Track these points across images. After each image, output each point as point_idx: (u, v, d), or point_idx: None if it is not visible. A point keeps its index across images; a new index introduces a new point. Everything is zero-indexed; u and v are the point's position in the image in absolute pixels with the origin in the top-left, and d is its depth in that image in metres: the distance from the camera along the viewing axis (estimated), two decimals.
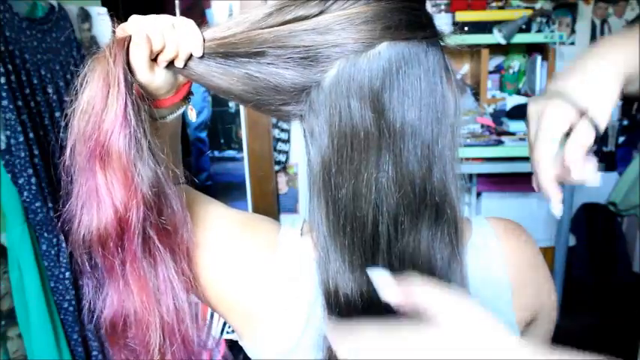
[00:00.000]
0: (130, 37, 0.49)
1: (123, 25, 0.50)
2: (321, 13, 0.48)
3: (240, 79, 0.50)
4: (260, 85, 0.50)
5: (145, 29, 0.49)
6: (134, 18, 0.50)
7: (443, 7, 2.27)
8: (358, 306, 0.50)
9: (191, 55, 0.50)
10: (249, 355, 0.58)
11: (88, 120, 0.48)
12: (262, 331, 0.54)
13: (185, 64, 0.51)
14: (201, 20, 0.52)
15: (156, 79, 0.51)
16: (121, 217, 0.49)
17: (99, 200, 0.49)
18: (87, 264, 0.53)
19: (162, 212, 0.51)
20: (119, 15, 0.52)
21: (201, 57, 0.50)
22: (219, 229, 0.57)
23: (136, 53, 0.49)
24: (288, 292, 0.54)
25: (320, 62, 0.48)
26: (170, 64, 0.51)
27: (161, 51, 0.50)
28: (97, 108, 0.47)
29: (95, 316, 0.54)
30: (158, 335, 0.52)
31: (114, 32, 0.51)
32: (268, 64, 0.49)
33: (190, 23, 0.51)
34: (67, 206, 0.51)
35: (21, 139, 1.32)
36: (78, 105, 0.49)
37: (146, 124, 0.49)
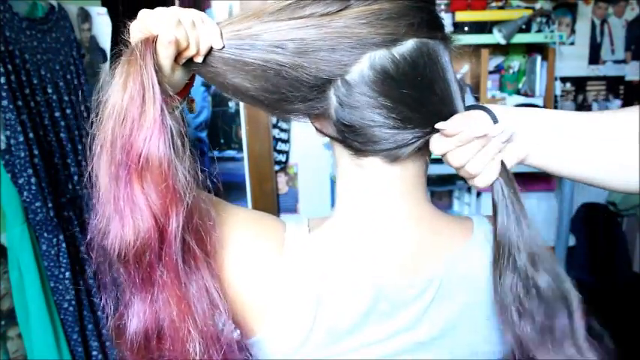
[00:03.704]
0: (156, 37, 0.47)
1: (145, 24, 0.48)
2: (343, 9, 0.48)
3: (259, 73, 0.49)
4: (280, 80, 0.49)
5: (170, 28, 0.47)
6: (147, 14, 0.49)
7: (443, 7, 2.27)
8: None
9: (209, 51, 0.50)
10: (258, 354, 0.57)
11: (124, 126, 0.46)
12: (271, 328, 0.54)
13: (204, 60, 0.50)
14: None
15: (175, 77, 0.51)
16: (162, 226, 0.47)
17: (136, 211, 0.46)
18: (111, 279, 0.51)
19: (198, 216, 0.50)
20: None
21: (220, 49, 0.49)
22: (231, 229, 0.56)
23: (164, 53, 0.47)
24: (296, 289, 0.54)
25: (344, 56, 0.48)
26: (188, 61, 0.51)
27: (185, 49, 0.49)
28: (134, 113, 0.45)
29: (127, 333, 0.51)
30: (198, 343, 0.50)
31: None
32: (290, 56, 0.48)
33: (204, 16, 0.50)
34: (94, 221, 0.49)
35: (21, 139, 1.32)
36: (111, 111, 0.46)
37: (181, 125, 0.48)
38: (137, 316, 0.51)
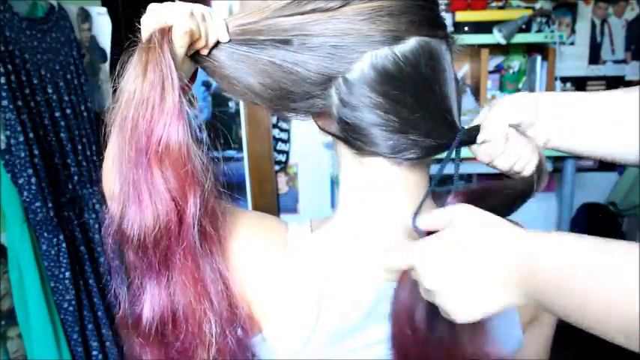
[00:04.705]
0: (171, 27, 0.48)
1: (160, 15, 0.49)
2: (343, 5, 0.48)
3: (263, 68, 0.49)
4: (283, 76, 0.49)
5: (185, 19, 0.48)
6: (160, 6, 0.50)
7: (443, 7, 2.27)
8: None
9: (216, 44, 0.50)
10: (261, 353, 0.58)
11: (145, 112, 0.47)
12: (275, 328, 0.54)
13: (208, 53, 0.51)
14: None
15: (183, 68, 0.51)
16: (181, 209, 0.48)
17: (155, 195, 0.47)
18: (121, 266, 0.52)
19: (213, 200, 0.51)
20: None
21: (226, 43, 0.50)
22: (233, 229, 0.56)
23: (179, 43, 0.48)
24: (299, 290, 0.54)
25: (347, 52, 0.48)
26: (193, 54, 0.52)
27: (197, 40, 0.50)
28: (155, 99, 0.47)
29: (141, 320, 0.52)
30: (214, 324, 0.51)
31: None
32: (294, 52, 0.48)
33: (211, 10, 0.51)
34: (110, 208, 0.50)
35: (21, 139, 1.32)
36: (130, 97, 0.47)
37: (197, 111, 0.49)
38: (152, 301, 0.51)
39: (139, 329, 0.52)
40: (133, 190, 0.48)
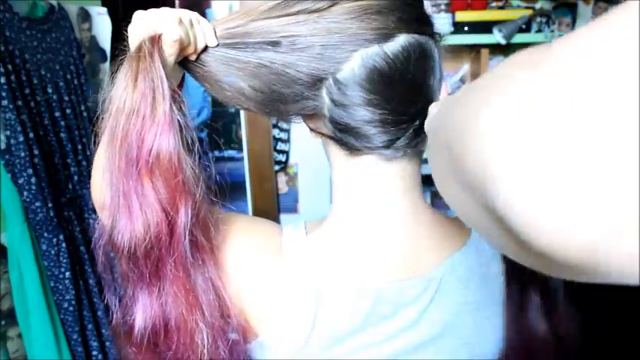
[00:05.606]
0: (160, 35, 0.48)
1: (149, 23, 0.49)
2: (332, 5, 0.48)
3: (252, 70, 0.49)
4: (273, 78, 0.49)
5: (174, 26, 0.48)
6: (147, 14, 0.49)
7: (443, 7, 2.27)
8: None
9: (204, 49, 0.50)
10: (258, 356, 0.57)
11: (136, 122, 0.46)
12: (272, 333, 0.54)
13: (196, 59, 0.51)
14: None
15: (172, 75, 0.51)
16: (172, 219, 0.48)
17: (146, 205, 0.47)
18: (114, 278, 0.52)
19: (205, 209, 0.51)
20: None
21: (214, 48, 0.50)
22: (226, 235, 0.56)
23: (169, 51, 0.48)
24: (295, 293, 0.54)
25: (337, 52, 0.48)
26: (182, 60, 0.51)
27: (186, 47, 0.49)
28: (145, 109, 0.46)
29: (134, 330, 0.52)
30: (205, 335, 0.51)
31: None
32: (283, 53, 0.48)
33: (198, 15, 0.51)
34: (100, 218, 0.50)
35: (21, 139, 1.32)
36: (120, 107, 0.47)
37: (188, 119, 0.49)
38: (144, 311, 0.51)
39: (132, 338, 0.52)
40: (123, 201, 0.47)
